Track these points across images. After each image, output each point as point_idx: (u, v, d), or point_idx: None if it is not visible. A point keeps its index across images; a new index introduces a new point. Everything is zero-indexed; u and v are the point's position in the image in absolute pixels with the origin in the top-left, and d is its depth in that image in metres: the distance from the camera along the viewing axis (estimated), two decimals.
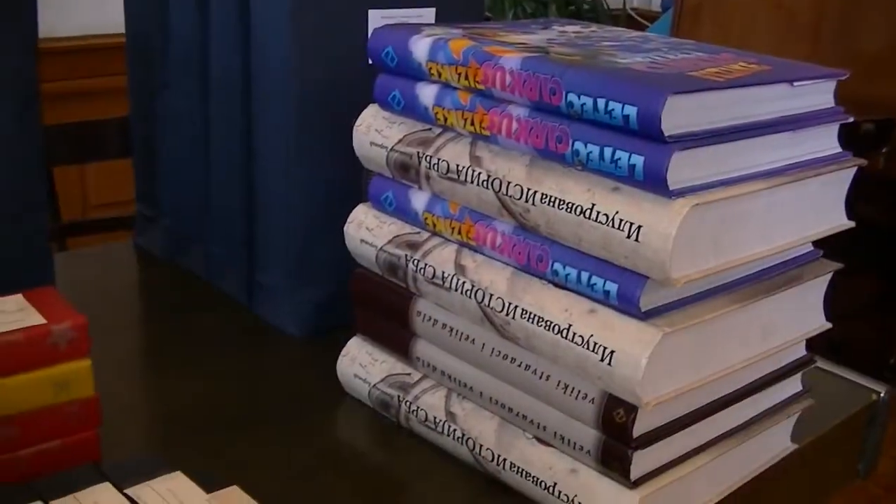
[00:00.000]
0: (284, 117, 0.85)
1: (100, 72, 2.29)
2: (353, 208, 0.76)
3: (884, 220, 2.09)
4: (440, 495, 0.70)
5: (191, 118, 0.96)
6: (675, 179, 0.55)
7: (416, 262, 0.70)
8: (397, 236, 0.72)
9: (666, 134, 0.55)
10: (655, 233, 0.56)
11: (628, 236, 0.57)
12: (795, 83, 0.63)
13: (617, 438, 0.61)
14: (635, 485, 0.61)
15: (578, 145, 0.59)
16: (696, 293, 0.61)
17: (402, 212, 0.72)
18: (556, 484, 0.64)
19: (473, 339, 0.68)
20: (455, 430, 0.71)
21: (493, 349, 0.67)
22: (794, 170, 0.63)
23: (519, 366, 0.65)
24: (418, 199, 0.71)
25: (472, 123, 0.65)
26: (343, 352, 0.79)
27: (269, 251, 0.91)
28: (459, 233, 0.68)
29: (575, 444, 0.63)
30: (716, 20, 2.63)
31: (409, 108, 0.70)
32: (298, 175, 0.86)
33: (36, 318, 0.61)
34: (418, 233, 0.71)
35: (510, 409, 0.67)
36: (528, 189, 0.62)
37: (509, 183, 0.63)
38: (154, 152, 1.03)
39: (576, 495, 0.63)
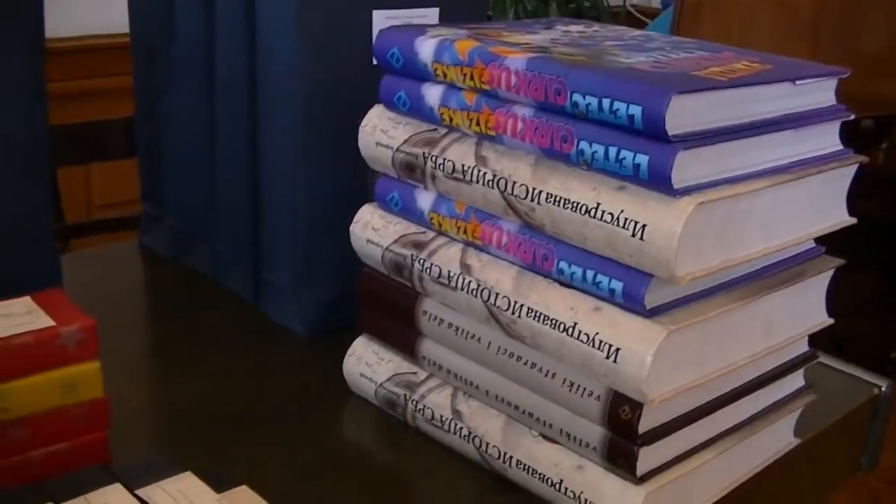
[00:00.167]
0: (290, 117, 0.85)
1: (102, 72, 2.29)
2: (358, 208, 0.77)
3: (884, 215, 2.09)
4: (447, 493, 0.70)
5: (196, 117, 0.96)
6: (679, 178, 0.56)
7: (422, 261, 0.71)
8: (403, 236, 0.73)
9: (670, 133, 0.55)
10: (660, 231, 0.56)
11: (633, 235, 0.57)
12: (798, 82, 0.63)
13: (623, 435, 0.61)
14: (641, 480, 0.61)
15: (583, 145, 0.59)
16: (700, 290, 0.61)
17: (408, 211, 0.72)
18: (562, 481, 0.65)
19: (479, 338, 0.69)
20: (461, 428, 0.71)
21: (499, 348, 0.67)
22: (796, 167, 0.64)
23: (525, 364, 0.66)
24: (424, 199, 0.71)
25: (478, 123, 0.66)
26: (349, 351, 0.79)
27: (276, 250, 0.91)
28: (465, 232, 0.68)
29: (581, 441, 0.63)
30: (716, 17, 2.63)
31: (415, 109, 0.70)
32: (304, 174, 0.86)
33: (44, 321, 0.62)
34: (424, 232, 0.72)
35: (516, 407, 0.68)
36: (534, 188, 0.63)
37: (514, 182, 0.64)
38: (159, 152, 1.03)
39: (582, 492, 0.64)
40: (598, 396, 0.61)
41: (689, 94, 0.56)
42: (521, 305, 0.64)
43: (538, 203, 0.63)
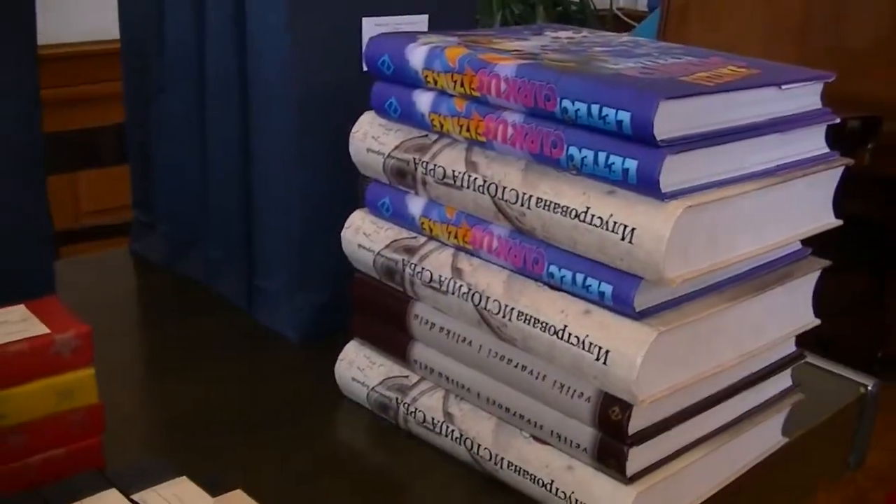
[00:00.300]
0: (281, 123, 0.86)
1: (89, 79, 2.29)
2: (350, 214, 0.77)
3: (871, 216, 2.10)
4: (439, 494, 0.71)
5: (187, 123, 0.97)
6: (667, 182, 0.57)
7: (413, 266, 0.71)
8: (394, 241, 0.73)
9: (658, 138, 0.56)
10: (649, 235, 0.57)
11: (623, 238, 0.58)
12: (784, 86, 0.64)
13: (613, 436, 0.62)
14: (631, 480, 0.62)
15: (573, 150, 0.60)
16: (688, 293, 0.62)
17: (399, 217, 0.73)
18: (553, 481, 0.66)
19: (471, 342, 0.69)
20: (453, 430, 0.72)
21: (490, 351, 0.68)
22: (783, 170, 0.65)
23: (516, 366, 0.67)
24: (415, 205, 0.72)
25: (468, 130, 0.67)
26: (341, 356, 0.80)
27: (268, 256, 0.91)
28: (456, 237, 0.69)
29: (571, 441, 0.64)
30: (703, 19, 2.64)
31: (406, 116, 0.71)
32: (296, 181, 0.87)
33: (39, 329, 0.62)
34: (415, 237, 0.72)
35: (507, 409, 0.68)
36: (524, 193, 0.63)
37: (505, 188, 0.65)
38: (150, 158, 1.04)
39: (573, 492, 0.64)
40: (589, 398, 0.62)
41: (676, 100, 0.57)
42: (512, 309, 0.65)
43: (528, 208, 0.63)
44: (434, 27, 0.91)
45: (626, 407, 0.60)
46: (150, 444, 0.76)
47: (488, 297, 0.67)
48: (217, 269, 0.98)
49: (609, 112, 0.57)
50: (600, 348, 0.60)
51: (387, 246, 0.73)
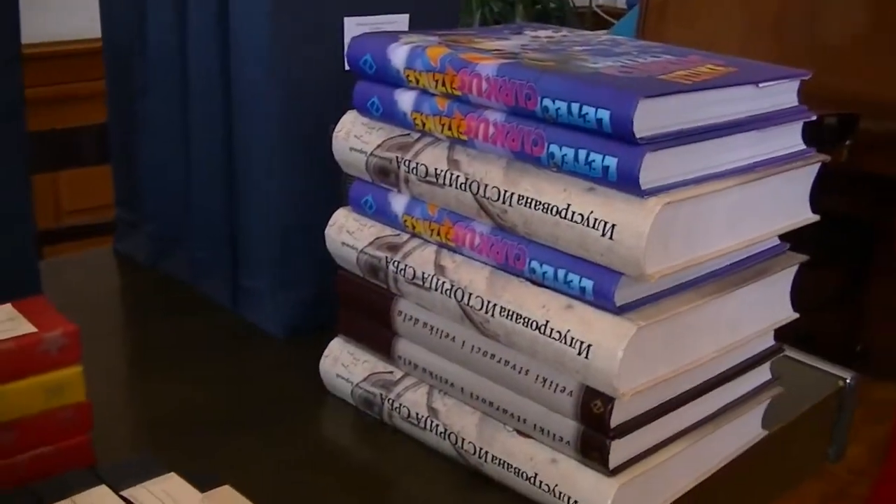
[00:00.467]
0: (264, 122, 0.87)
1: (71, 78, 2.29)
2: (333, 212, 0.78)
3: (848, 212, 2.12)
4: (425, 488, 0.72)
5: (171, 123, 0.97)
6: (647, 179, 0.58)
7: (396, 263, 0.72)
8: (378, 238, 0.74)
9: (638, 136, 0.57)
10: (629, 231, 0.58)
11: (603, 234, 0.59)
12: (761, 84, 0.65)
13: (595, 429, 0.63)
14: (614, 473, 0.63)
15: (554, 148, 0.61)
16: (668, 287, 0.63)
17: (383, 214, 0.74)
18: (537, 474, 0.66)
19: (454, 337, 0.70)
20: (437, 425, 0.72)
21: (474, 346, 0.69)
22: (760, 167, 0.66)
23: (499, 362, 0.67)
24: (398, 202, 0.73)
25: (450, 128, 0.67)
26: (325, 352, 0.80)
27: (252, 254, 0.92)
28: (438, 234, 0.70)
29: (555, 435, 0.65)
30: (681, 17, 2.65)
31: (388, 114, 0.72)
32: (279, 179, 0.87)
33: (27, 327, 0.63)
34: (398, 235, 0.73)
35: (491, 404, 0.69)
36: (506, 191, 0.64)
37: (487, 185, 0.65)
38: (134, 157, 1.04)
39: (556, 485, 0.65)
40: (571, 392, 0.63)
41: (655, 98, 0.58)
42: (495, 305, 0.66)
43: (510, 205, 0.64)
44: (415, 26, 0.91)
45: (608, 400, 0.61)
46: (137, 442, 0.76)
47: (471, 294, 0.67)
48: (201, 267, 0.98)
49: (589, 110, 0.58)
50: (582, 343, 0.61)
51: (370, 243, 0.74)
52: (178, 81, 0.95)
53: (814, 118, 0.69)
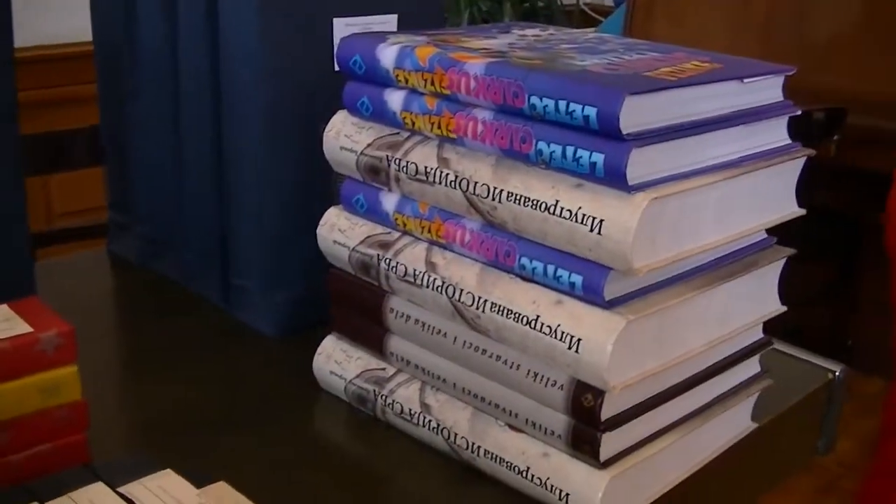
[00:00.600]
0: (255, 122, 0.87)
1: (62, 81, 2.29)
2: (324, 210, 0.78)
3: (837, 206, 2.13)
4: (418, 483, 0.72)
5: (162, 124, 0.97)
6: (633, 175, 0.58)
7: (388, 260, 0.73)
8: (369, 237, 0.75)
9: (624, 132, 0.58)
10: (617, 226, 0.59)
11: (591, 230, 0.60)
12: (746, 80, 0.66)
13: (586, 422, 0.63)
14: (605, 465, 0.64)
15: (542, 145, 0.62)
16: (656, 282, 0.64)
17: (374, 213, 0.74)
18: (529, 468, 0.67)
19: (445, 333, 0.71)
20: (430, 420, 0.73)
21: (465, 342, 0.69)
22: (746, 162, 0.66)
23: (490, 357, 0.68)
24: (389, 201, 0.73)
25: (439, 127, 0.68)
26: (318, 350, 0.81)
27: (244, 254, 0.92)
28: (429, 231, 0.71)
29: (546, 429, 0.66)
30: (668, 14, 2.66)
31: (378, 114, 0.72)
32: (270, 179, 0.88)
33: (23, 328, 0.63)
34: (389, 233, 0.74)
35: (482, 399, 0.70)
36: (495, 188, 0.65)
37: (476, 183, 0.66)
38: (126, 159, 1.04)
39: (548, 478, 0.66)
40: (562, 386, 0.64)
41: (641, 95, 0.59)
42: (485, 301, 0.67)
43: (499, 202, 0.65)
44: (403, 26, 0.92)
45: (599, 394, 0.62)
46: (131, 442, 0.77)
47: (462, 290, 0.68)
48: (194, 268, 0.98)
49: (576, 108, 0.59)
50: (572, 337, 0.61)
51: (362, 241, 0.75)
52: (169, 83, 0.96)
53: (799, 113, 0.70)
